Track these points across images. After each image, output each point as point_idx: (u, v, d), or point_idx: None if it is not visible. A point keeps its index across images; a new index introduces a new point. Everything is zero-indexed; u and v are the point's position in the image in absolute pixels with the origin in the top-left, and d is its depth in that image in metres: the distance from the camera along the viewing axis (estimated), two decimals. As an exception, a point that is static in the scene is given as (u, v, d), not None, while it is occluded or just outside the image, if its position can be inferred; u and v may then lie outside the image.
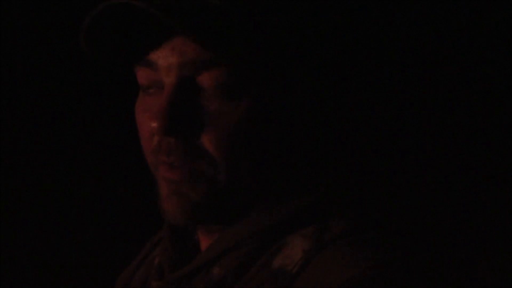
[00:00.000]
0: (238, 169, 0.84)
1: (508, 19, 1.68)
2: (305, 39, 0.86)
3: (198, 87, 0.83)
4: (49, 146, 1.88)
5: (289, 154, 0.88)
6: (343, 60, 0.90)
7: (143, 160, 0.89)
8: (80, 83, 1.78)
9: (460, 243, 1.61)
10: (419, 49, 1.67)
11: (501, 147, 1.66)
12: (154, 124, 0.83)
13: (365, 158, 0.91)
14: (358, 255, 0.81)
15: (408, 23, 1.66)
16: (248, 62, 0.83)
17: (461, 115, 1.67)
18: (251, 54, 0.83)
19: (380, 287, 0.79)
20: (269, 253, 0.85)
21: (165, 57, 0.83)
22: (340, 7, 0.89)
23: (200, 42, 0.80)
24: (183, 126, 0.83)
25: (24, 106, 1.85)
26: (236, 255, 0.86)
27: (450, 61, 1.69)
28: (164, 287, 0.90)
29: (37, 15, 1.80)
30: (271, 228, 0.86)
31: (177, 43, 0.82)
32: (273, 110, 0.85)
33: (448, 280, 0.87)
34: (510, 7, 1.68)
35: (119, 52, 0.86)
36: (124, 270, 1.03)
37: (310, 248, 0.84)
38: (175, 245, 0.93)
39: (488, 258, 1.61)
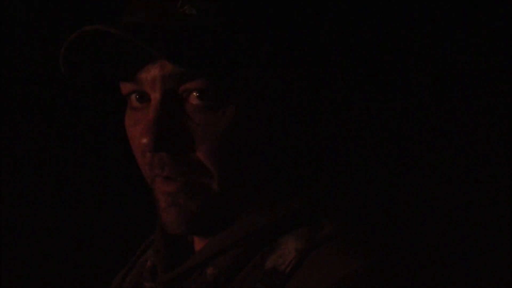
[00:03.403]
0: (231, 177, 0.84)
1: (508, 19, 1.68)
2: (286, 45, 0.85)
3: (183, 98, 0.83)
4: (48, 147, 1.88)
5: (281, 157, 0.88)
6: (330, 62, 0.89)
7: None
8: (79, 85, 1.78)
9: (455, 242, 1.61)
10: (416, 47, 1.67)
11: (499, 147, 1.66)
12: (143, 141, 0.83)
13: (358, 158, 0.91)
14: (351, 255, 0.82)
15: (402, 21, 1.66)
16: (228, 72, 0.82)
17: (457, 113, 1.67)
18: (230, 64, 0.82)
19: (373, 286, 0.79)
20: (261, 254, 0.85)
21: (147, 71, 0.83)
22: (321, 9, 0.88)
23: (174, 62, 0.80)
24: (171, 141, 0.83)
25: (23, 107, 1.85)
26: (229, 256, 0.86)
27: (450, 60, 1.68)
28: (157, 288, 0.90)
29: (36, 17, 1.80)
30: (264, 229, 0.86)
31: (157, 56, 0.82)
32: (261, 116, 0.85)
33: (440, 279, 0.87)
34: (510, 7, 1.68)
35: (101, 71, 0.86)
36: (119, 272, 1.04)
37: (302, 248, 0.84)
38: (167, 247, 0.94)
39: (484, 259, 1.61)
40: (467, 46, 1.69)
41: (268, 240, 0.86)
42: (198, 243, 0.91)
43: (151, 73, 0.83)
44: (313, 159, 0.90)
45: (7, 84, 1.84)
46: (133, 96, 0.86)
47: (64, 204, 1.88)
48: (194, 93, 0.83)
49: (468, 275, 1.57)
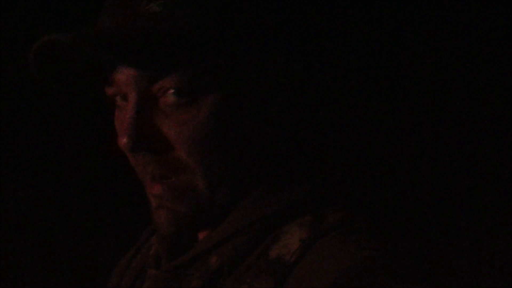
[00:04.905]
0: (216, 173, 0.84)
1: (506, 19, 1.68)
2: (259, 37, 0.84)
3: (159, 96, 0.83)
4: (47, 146, 1.88)
5: (275, 148, 0.87)
6: (315, 53, 0.87)
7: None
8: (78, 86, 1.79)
9: (456, 233, 1.61)
10: (410, 43, 1.68)
11: (499, 147, 1.66)
12: (123, 141, 0.83)
13: (361, 148, 0.91)
14: (355, 245, 0.81)
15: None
16: (197, 68, 0.81)
17: (457, 110, 1.68)
18: (198, 61, 0.81)
19: (377, 276, 0.79)
20: (266, 243, 0.85)
21: (122, 72, 0.83)
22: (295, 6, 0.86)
23: (135, 65, 0.80)
24: (149, 141, 0.83)
25: (23, 107, 1.86)
26: (233, 244, 0.86)
27: (443, 58, 1.69)
28: (161, 276, 0.90)
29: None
30: (268, 217, 0.86)
31: None
32: (242, 110, 0.83)
33: (443, 270, 0.87)
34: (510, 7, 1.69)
35: (77, 75, 0.85)
36: (121, 259, 1.04)
37: (307, 237, 0.84)
38: (172, 235, 0.93)
39: (485, 250, 1.61)
40: (465, 46, 1.70)
41: (272, 229, 0.86)
42: (202, 232, 0.91)
43: (125, 74, 0.82)
44: (315, 149, 0.90)
45: (7, 83, 1.85)
46: (117, 96, 0.86)
47: (63, 197, 1.89)
48: (169, 91, 0.82)
49: (468, 273, 1.57)
